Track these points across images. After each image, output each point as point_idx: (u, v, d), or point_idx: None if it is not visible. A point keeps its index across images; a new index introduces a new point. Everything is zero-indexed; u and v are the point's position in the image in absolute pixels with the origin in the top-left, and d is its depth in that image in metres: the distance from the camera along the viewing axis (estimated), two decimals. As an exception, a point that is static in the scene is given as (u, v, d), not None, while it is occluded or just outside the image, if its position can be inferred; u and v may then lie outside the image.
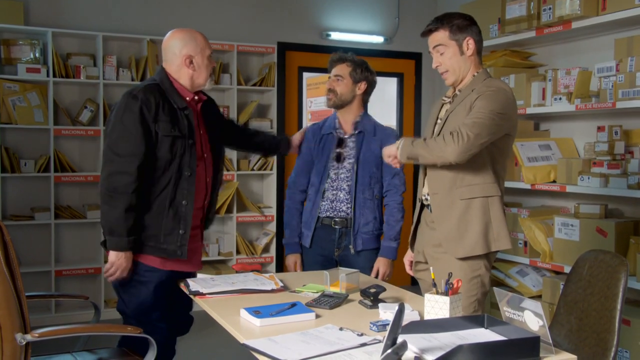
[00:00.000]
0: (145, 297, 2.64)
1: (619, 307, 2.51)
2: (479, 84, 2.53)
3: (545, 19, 4.34)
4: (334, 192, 3.25)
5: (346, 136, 3.29)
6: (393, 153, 2.59)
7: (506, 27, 4.71)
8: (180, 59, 2.72)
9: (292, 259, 3.34)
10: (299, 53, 5.78)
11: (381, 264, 3.26)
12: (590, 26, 4.12)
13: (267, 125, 5.50)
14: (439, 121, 2.66)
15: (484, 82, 2.54)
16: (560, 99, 4.32)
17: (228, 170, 5.36)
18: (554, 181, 4.29)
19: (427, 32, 2.60)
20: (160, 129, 2.61)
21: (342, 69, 3.25)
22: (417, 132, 6.22)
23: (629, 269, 2.55)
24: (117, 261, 2.60)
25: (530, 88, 4.55)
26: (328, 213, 3.24)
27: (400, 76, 6.21)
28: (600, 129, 4.07)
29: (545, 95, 4.48)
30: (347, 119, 3.30)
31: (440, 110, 2.69)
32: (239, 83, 5.37)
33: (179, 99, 2.72)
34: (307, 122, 5.93)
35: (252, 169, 5.49)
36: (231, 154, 5.40)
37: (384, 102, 6.28)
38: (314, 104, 6.05)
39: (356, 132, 3.27)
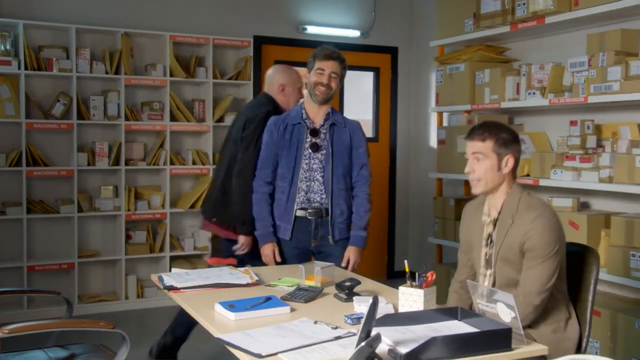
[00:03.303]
0: None
1: (590, 298, 2.55)
2: (516, 208, 2.43)
3: (520, 14, 4.38)
4: (308, 182, 3.23)
5: (317, 126, 3.27)
6: None
7: (481, 22, 4.74)
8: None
9: (270, 248, 3.23)
10: (275, 47, 5.75)
11: (352, 252, 3.27)
12: (563, 21, 4.17)
13: (243, 119, 5.47)
14: (483, 242, 2.52)
15: (521, 206, 2.42)
16: (534, 93, 4.36)
17: (203, 164, 5.34)
18: (528, 175, 4.34)
19: (471, 137, 2.50)
20: None
21: (337, 67, 3.24)
22: (392, 125, 6.25)
23: (599, 261, 2.58)
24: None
25: (505, 83, 4.59)
26: (303, 205, 3.23)
27: (376, 70, 6.22)
28: (572, 123, 4.12)
29: (519, 90, 4.52)
30: (318, 112, 3.28)
31: (483, 231, 2.54)
32: (214, 77, 5.33)
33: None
34: (283, 116, 5.91)
35: (228, 163, 5.46)
36: (207, 148, 5.37)
37: (360, 96, 6.29)
38: (291, 98, 6.03)
39: (329, 123, 3.27)
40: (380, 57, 6.18)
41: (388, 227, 6.33)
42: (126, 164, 5.08)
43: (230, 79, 5.41)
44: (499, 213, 2.48)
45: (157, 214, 5.19)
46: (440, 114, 5.41)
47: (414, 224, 6.31)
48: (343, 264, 3.24)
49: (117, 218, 5.11)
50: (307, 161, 3.23)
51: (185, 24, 5.34)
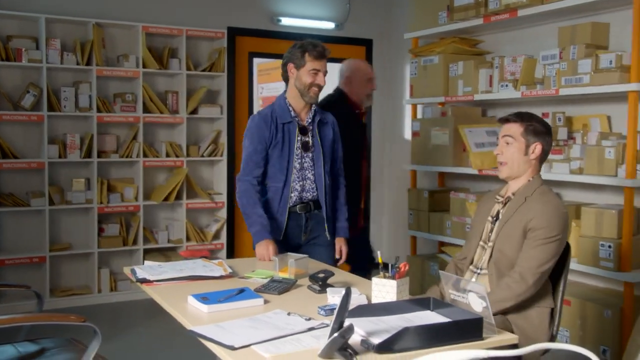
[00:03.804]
0: None
1: (561, 287, 2.59)
2: (531, 192, 2.52)
3: (493, 7, 4.41)
4: (301, 182, 3.18)
5: (305, 124, 3.22)
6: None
7: (455, 15, 4.76)
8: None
9: (266, 246, 3.03)
10: (249, 38, 5.72)
11: (342, 243, 3.34)
12: (535, 14, 4.20)
13: (217, 111, 5.44)
14: (489, 219, 2.62)
15: (537, 192, 2.51)
16: (506, 85, 4.40)
17: (177, 156, 5.30)
18: (500, 166, 4.37)
19: (504, 120, 2.61)
20: None
21: (326, 64, 3.19)
22: (367, 117, 6.25)
23: (570, 251, 2.62)
24: None
25: (478, 75, 4.63)
26: (295, 203, 3.18)
27: (351, 62, 6.21)
28: (544, 115, 4.15)
29: (492, 82, 4.56)
30: (303, 108, 3.21)
31: (492, 209, 2.64)
32: (188, 68, 5.28)
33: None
34: (258, 108, 5.88)
35: (202, 155, 5.43)
36: (180, 140, 5.33)
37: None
38: (265, 89, 6.01)
39: (317, 120, 3.24)
40: (355, 49, 6.18)
41: (363, 219, 6.34)
42: (98, 156, 5.02)
43: (204, 70, 5.36)
44: (514, 194, 2.57)
45: (131, 207, 5.14)
46: (414, 106, 5.44)
47: (389, 215, 6.33)
48: (337, 256, 3.31)
49: (89, 211, 5.05)
50: (299, 160, 3.18)
51: (158, 14, 5.28)
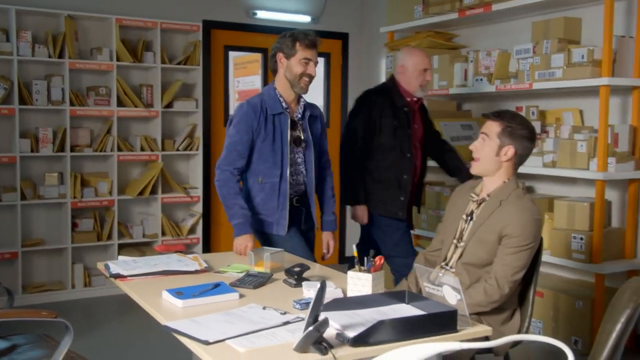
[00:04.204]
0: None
1: (533, 279, 2.62)
2: (506, 195, 2.49)
3: (467, 1, 4.44)
4: (295, 176, 3.14)
5: (296, 117, 3.16)
6: None
7: (430, 9, 4.78)
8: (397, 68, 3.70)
9: (247, 240, 3.01)
10: (225, 31, 5.68)
11: (330, 237, 3.34)
12: (509, 9, 4.24)
13: (192, 104, 5.40)
14: (464, 217, 2.60)
15: (513, 195, 2.48)
16: (481, 79, 4.43)
17: (152, 150, 5.25)
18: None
19: (486, 116, 2.60)
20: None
21: (317, 55, 3.13)
22: (343, 111, 6.26)
23: (543, 244, 2.65)
24: None
25: (453, 69, 4.65)
26: (293, 198, 3.15)
27: (327, 56, 6.21)
28: (518, 109, 4.20)
29: (467, 76, 4.59)
30: (294, 100, 3.15)
31: (467, 207, 2.62)
32: (162, 61, 5.23)
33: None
34: (234, 102, 5.85)
35: (177, 149, 5.39)
36: (155, 134, 5.28)
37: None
38: (242, 83, 5.98)
39: (307, 113, 3.19)
40: (331, 42, 6.17)
41: (340, 212, 6.35)
42: (72, 151, 4.95)
43: (179, 63, 5.32)
44: (489, 196, 2.54)
45: (105, 201, 5.09)
46: (390, 100, 5.44)
47: (365, 209, 6.34)
48: (324, 250, 3.31)
49: (62, 206, 4.99)
50: (291, 155, 3.12)
51: (132, 7, 5.22)
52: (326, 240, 3.33)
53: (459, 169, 3.90)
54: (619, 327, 1.83)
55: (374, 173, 3.67)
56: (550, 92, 4.21)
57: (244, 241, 3.01)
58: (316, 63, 3.11)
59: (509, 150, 2.50)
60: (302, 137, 3.17)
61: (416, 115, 3.73)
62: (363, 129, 3.64)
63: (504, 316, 2.52)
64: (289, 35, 3.10)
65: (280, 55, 3.11)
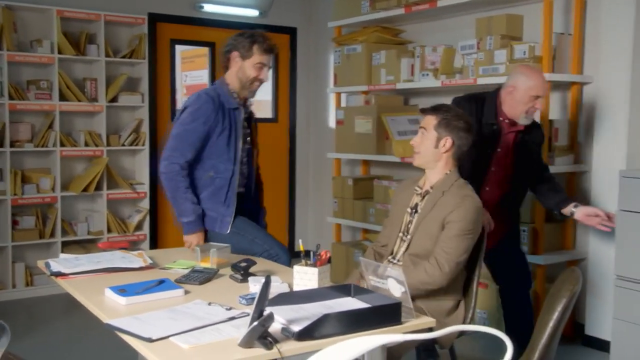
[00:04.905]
0: None
1: (476, 270, 2.68)
2: (448, 186, 2.56)
3: (413, -3, 4.48)
4: (241, 173, 3.10)
5: (245, 116, 3.11)
6: None
7: (377, 4, 4.81)
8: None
9: (198, 237, 3.00)
10: (171, 25, 5.60)
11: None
12: (453, 5, 4.30)
13: (138, 99, 5.30)
14: (408, 210, 2.65)
15: (454, 186, 2.56)
16: (427, 74, 4.49)
17: (97, 145, 5.14)
18: (421, 154, 4.47)
19: (423, 111, 2.66)
20: None
21: (271, 61, 3.08)
22: (291, 106, 6.25)
23: (485, 236, 2.71)
24: None
25: (400, 64, 4.69)
26: (240, 193, 3.12)
27: (275, 50, 6.18)
28: (463, 104, 4.26)
29: (413, 71, 4.64)
30: (243, 98, 3.10)
31: (411, 200, 2.68)
32: (106, 55, 5.12)
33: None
34: (181, 97, 5.77)
35: (123, 145, 5.29)
36: (100, 129, 5.17)
37: (259, 77, 6.24)
38: (189, 77, 5.90)
39: (250, 110, 3.17)
40: (279, 37, 6.14)
41: (288, 207, 6.36)
42: (11, 146, 4.80)
43: (124, 57, 5.21)
44: (432, 188, 2.60)
45: (47, 198, 4.96)
46: (338, 95, 5.47)
47: (314, 203, 6.37)
48: None
49: (2, 203, 4.83)
50: (240, 153, 3.08)
51: (74, -2, 5.09)
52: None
53: (557, 203, 3.36)
54: (555, 315, 1.89)
55: None
56: (494, 87, 4.28)
57: (197, 238, 2.99)
58: (269, 68, 3.07)
59: (447, 142, 2.58)
60: (251, 135, 3.14)
61: (508, 139, 3.22)
62: None
63: (449, 307, 2.56)
64: (247, 36, 3.02)
65: (235, 54, 3.03)
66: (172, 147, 2.99)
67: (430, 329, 2.02)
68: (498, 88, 3.26)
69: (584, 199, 3.77)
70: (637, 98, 3.64)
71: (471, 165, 3.09)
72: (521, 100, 3.11)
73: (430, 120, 2.59)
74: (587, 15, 3.93)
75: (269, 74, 3.10)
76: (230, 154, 3.04)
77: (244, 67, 3.01)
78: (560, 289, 1.95)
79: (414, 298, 2.43)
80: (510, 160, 3.24)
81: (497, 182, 3.23)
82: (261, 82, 3.06)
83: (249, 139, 3.16)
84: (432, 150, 2.59)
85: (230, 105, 3.03)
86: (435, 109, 2.62)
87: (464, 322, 2.57)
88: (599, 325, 3.78)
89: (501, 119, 3.19)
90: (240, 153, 3.07)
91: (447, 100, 4.66)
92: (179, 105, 5.50)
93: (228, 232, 3.03)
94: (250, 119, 3.17)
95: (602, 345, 3.68)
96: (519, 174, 3.27)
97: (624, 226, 3.23)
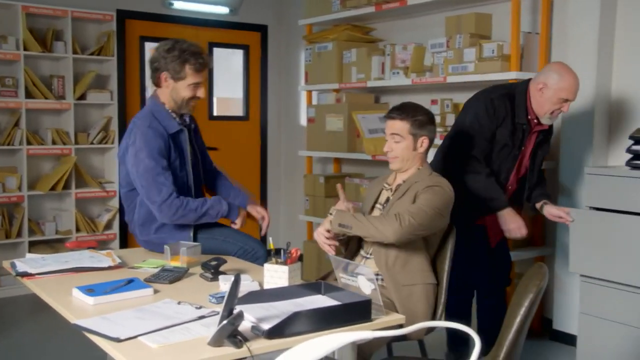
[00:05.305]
0: None
1: (446, 267, 2.70)
2: (424, 177, 2.59)
3: (383, -5, 4.50)
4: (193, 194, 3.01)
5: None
6: (325, 225, 2.54)
7: (347, 2, 4.82)
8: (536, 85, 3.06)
9: (242, 213, 3.04)
10: (140, 22, 5.54)
11: (252, 208, 3.22)
12: (423, 4, 4.33)
13: (107, 96, 5.24)
14: (378, 205, 2.69)
15: (429, 177, 2.60)
16: (397, 73, 4.51)
17: (65, 144, 5.06)
18: (392, 152, 4.49)
19: (389, 117, 2.63)
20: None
21: (206, 75, 2.98)
22: (262, 104, 6.24)
23: (454, 231, 2.74)
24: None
25: (371, 62, 4.71)
26: None
27: (246, 48, 6.16)
28: (433, 102, 4.30)
29: (384, 70, 4.66)
30: (179, 114, 2.97)
31: (379, 195, 2.71)
32: (74, 52, 5.04)
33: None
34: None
35: (92, 143, 5.22)
36: (68, 127, 5.09)
37: (230, 74, 6.22)
38: (159, 75, 5.84)
39: (192, 124, 3.05)
40: (249, 34, 6.13)
41: (260, 205, 6.33)
42: (-24, 144, 4.72)
43: (92, 54, 5.14)
44: (404, 182, 2.64)
45: (14, 197, 4.87)
46: (309, 93, 5.47)
47: (285, 201, 6.36)
48: (260, 222, 3.18)
49: (-33, 202, 4.75)
50: (191, 176, 2.99)
51: (40, -7, 5.00)
52: (247, 214, 3.09)
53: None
54: (522, 311, 1.91)
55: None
56: (463, 85, 4.33)
57: (243, 213, 3.02)
58: (206, 80, 2.94)
59: (424, 141, 2.63)
60: (196, 150, 3.04)
61: (531, 138, 3.20)
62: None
63: (420, 293, 2.57)
64: (177, 55, 2.82)
65: (165, 75, 2.86)
66: (152, 190, 2.78)
67: (400, 326, 2.03)
68: (527, 81, 3.14)
69: (552, 195, 3.83)
70: (602, 95, 3.71)
71: (499, 167, 3.13)
72: (549, 99, 3.01)
73: (403, 126, 2.60)
74: (553, 14, 3.99)
75: (204, 90, 2.93)
76: (183, 178, 2.92)
77: (177, 88, 2.86)
78: (528, 284, 1.98)
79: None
80: (528, 158, 3.21)
81: (515, 181, 3.26)
82: (198, 99, 2.91)
83: (196, 155, 3.04)
84: (411, 153, 2.62)
85: (173, 130, 2.87)
86: (402, 112, 2.61)
87: (434, 318, 2.59)
88: (567, 320, 3.85)
89: (530, 117, 3.10)
90: (192, 174, 2.97)
91: (419, 98, 4.71)
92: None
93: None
94: (191, 131, 3.01)
95: (570, 340, 3.75)
96: (531, 172, 3.25)
97: (589, 223, 3.26)
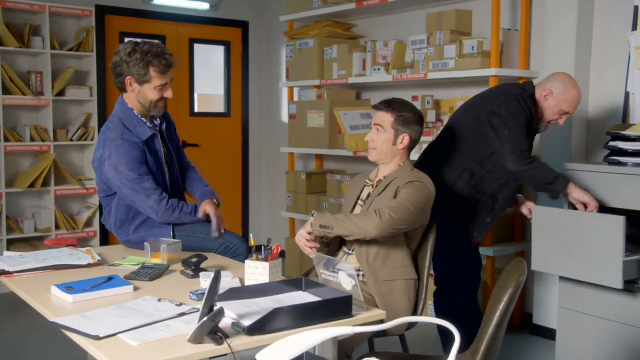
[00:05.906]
0: None
1: (427, 263, 2.71)
2: (405, 174, 2.59)
3: (365, -8, 4.50)
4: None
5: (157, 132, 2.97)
6: (307, 228, 2.52)
7: (329, -2, 4.82)
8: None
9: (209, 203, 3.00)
10: (120, 17, 5.49)
11: (208, 205, 3.03)
12: (404, 0, 4.35)
13: (87, 93, 5.19)
14: (360, 202, 2.69)
15: (411, 173, 2.60)
16: (379, 69, 4.52)
17: (44, 140, 5.01)
18: (374, 148, 4.50)
19: (377, 108, 2.66)
20: None
21: (171, 75, 2.88)
22: (244, 100, 6.22)
23: (435, 228, 2.75)
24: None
25: (352, 58, 4.71)
26: None
27: (227, 44, 6.14)
28: (414, 98, 4.31)
29: (365, 66, 4.66)
30: (149, 117, 2.95)
31: (361, 192, 2.71)
32: (53, 47, 4.99)
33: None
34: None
35: (71, 140, 5.17)
36: (46, 123, 5.04)
37: (211, 71, 6.19)
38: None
39: (164, 124, 3.00)
40: (230, 31, 6.11)
41: (242, 202, 6.33)
42: (-47, 141, 4.65)
43: (71, 50, 5.09)
44: (385, 178, 2.63)
45: (-8, 195, 4.82)
46: (291, 89, 5.46)
47: (267, 198, 6.35)
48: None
49: (-56, 200, 4.68)
50: (167, 175, 2.99)
51: (18, -11, 4.94)
52: (203, 209, 2.97)
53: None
54: (502, 306, 1.93)
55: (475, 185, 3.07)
56: (444, 82, 4.35)
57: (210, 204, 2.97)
58: (171, 80, 2.87)
59: (405, 138, 2.62)
60: (170, 151, 3.02)
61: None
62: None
63: (401, 289, 2.57)
64: (139, 58, 2.75)
65: (130, 80, 2.80)
66: (138, 197, 2.81)
67: (381, 321, 2.04)
68: (534, 91, 3.06)
69: (534, 193, 3.86)
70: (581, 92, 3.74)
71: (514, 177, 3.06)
72: (551, 108, 3.01)
73: (387, 118, 2.61)
74: (533, 11, 4.02)
75: (171, 91, 2.88)
76: (159, 181, 2.91)
77: (143, 91, 2.82)
78: (507, 279, 1.99)
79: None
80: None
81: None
82: (166, 99, 2.88)
83: (171, 155, 3.03)
84: (390, 148, 2.62)
85: (146, 136, 2.85)
86: (389, 106, 2.63)
87: (415, 313, 2.60)
88: (546, 314, 3.89)
89: (539, 121, 3.08)
90: (168, 175, 2.97)
91: (400, 95, 4.72)
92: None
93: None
94: (163, 131, 2.98)
95: (549, 334, 3.78)
96: None
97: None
